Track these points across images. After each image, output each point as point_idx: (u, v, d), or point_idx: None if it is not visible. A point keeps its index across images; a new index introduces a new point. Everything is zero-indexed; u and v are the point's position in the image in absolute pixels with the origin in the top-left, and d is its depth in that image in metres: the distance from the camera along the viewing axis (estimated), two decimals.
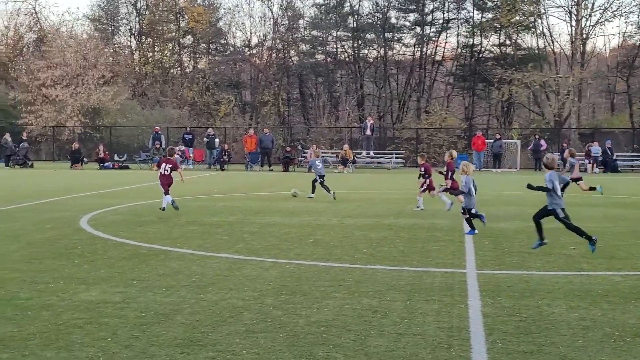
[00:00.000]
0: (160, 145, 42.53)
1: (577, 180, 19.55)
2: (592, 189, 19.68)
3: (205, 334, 6.97)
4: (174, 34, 64.57)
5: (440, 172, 18.71)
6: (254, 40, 64.11)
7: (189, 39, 65.43)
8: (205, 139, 45.60)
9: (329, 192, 21.22)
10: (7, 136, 42.81)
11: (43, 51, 55.72)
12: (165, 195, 17.35)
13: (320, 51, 62.32)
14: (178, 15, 64.11)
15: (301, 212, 17.77)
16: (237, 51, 63.74)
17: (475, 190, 14.40)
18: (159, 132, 44.08)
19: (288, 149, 42.57)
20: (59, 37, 56.13)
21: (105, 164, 41.60)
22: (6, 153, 42.03)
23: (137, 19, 65.44)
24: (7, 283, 9.17)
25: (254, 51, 64.19)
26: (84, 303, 8.18)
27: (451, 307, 8.13)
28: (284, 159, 41.00)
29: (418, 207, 18.44)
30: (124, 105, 53.17)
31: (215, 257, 11.26)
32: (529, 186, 11.91)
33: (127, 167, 41.78)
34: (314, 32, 62.38)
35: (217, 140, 44.69)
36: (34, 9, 67.02)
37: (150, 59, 64.26)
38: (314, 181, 21.98)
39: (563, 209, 11.78)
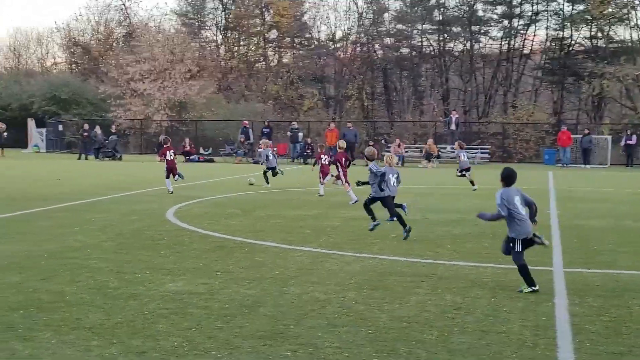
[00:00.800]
0: (246, 139, 42.98)
1: None
2: None
3: (288, 327, 7.00)
4: (259, 28, 65.10)
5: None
6: (339, 34, 64.12)
7: (273, 33, 65.85)
8: (288, 132, 45.85)
9: (267, 183, 22.20)
10: (97, 129, 43.95)
11: (132, 46, 56.92)
12: (175, 176, 20.73)
13: (405, 45, 61.83)
14: (263, 10, 64.60)
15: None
16: (321, 45, 63.83)
17: (398, 183, 13.70)
18: (247, 125, 44.49)
19: (371, 143, 42.43)
20: (147, 32, 57.26)
21: (191, 157, 42.27)
22: (96, 146, 43.12)
23: (223, 13, 66.24)
24: (97, 272, 9.41)
25: (338, 45, 64.19)
26: (169, 293, 8.32)
27: (537, 305, 7.96)
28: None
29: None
30: (209, 99, 53.91)
31: (299, 251, 11.31)
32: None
33: (212, 160, 42.38)
34: (399, 26, 61.95)
35: (300, 134, 44.89)
36: (124, 5, 68.61)
37: (235, 53, 65.00)
38: (265, 172, 22.49)
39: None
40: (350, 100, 58.97)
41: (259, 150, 24.60)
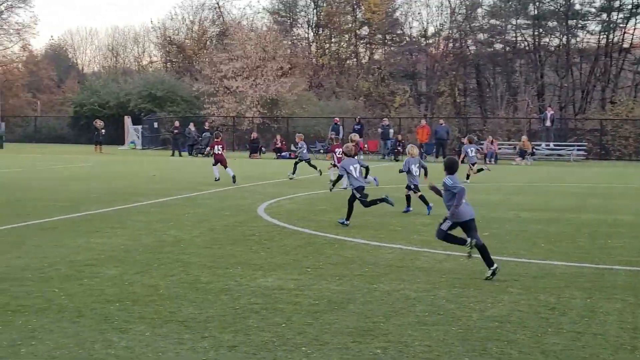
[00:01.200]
0: (336, 135, 43.07)
1: None
2: None
3: (378, 324, 6.96)
4: (350, 25, 65.19)
5: None
6: (430, 30, 63.67)
7: (365, 30, 65.83)
8: (379, 129, 45.72)
9: (293, 173, 24.18)
10: (191, 126, 44.83)
11: (225, 44, 57.81)
12: (227, 168, 22.41)
13: (499, 40, 60.91)
14: (355, 7, 64.64)
15: (475, 205, 17.42)
16: (413, 41, 63.46)
17: (426, 173, 15.21)
18: (338, 122, 44.56)
19: (464, 140, 41.90)
20: (240, 30, 58.04)
21: (282, 154, 42.62)
22: (189, 142, 43.98)
23: (314, 11, 66.60)
24: (190, 267, 9.57)
25: (430, 41, 63.71)
26: (260, 289, 8.39)
27: (636, 307, 7.69)
28: (459, 151, 40.41)
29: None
30: (300, 96, 54.26)
31: (389, 248, 11.25)
32: None
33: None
34: (493, 21, 61.06)
35: (391, 130, 44.71)
36: (217, 4, 69.84)
37: (326, 51, 65.26)
38: (296, 162, 24.32)
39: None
40: (441, 97, 58.42)
41: (298, 142, 25.72)
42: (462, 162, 21.30)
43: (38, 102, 76.12)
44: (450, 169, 9.06)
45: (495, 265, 8.85)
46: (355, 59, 66.90)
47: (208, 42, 69.92)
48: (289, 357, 6.03)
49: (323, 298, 7.98)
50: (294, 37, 66.85)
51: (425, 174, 15.24)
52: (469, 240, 8.90)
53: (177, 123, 45.50)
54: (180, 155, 42.36)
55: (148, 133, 53.21)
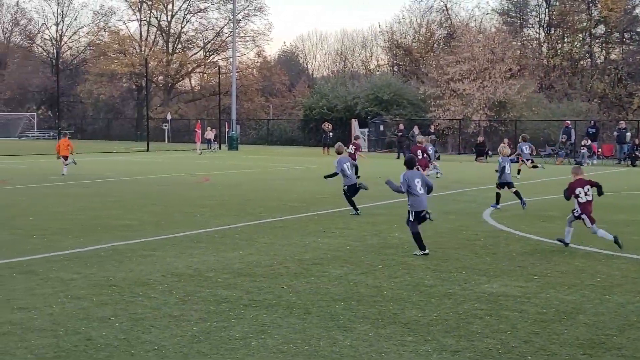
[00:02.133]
0: (567, 139, 41.45)
1: None
2: None
3: (610, 337, 6.60)
4: (585, 24, 62.54)
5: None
6: None
7: (600, 29, 62.89)
8: (615, 133, 43.41)
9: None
10: (416, 129, 44.91)
11: (452, 46, 57.46)
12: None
13: None
14: (590, 5, 61.94)
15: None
16: None
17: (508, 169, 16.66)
18: (569, 125, 42.87)
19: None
20: (468, 32, 57.42)
21: (512, 158, 41.57)
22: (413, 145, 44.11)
23: (546, 10, 64.57)
24: (414, 269, 9.59)
25: None
26: (484, 294, 8.23)
27: None
28: None
29: None
30: (530, 98, 52.72)
31: (624, 258, 10.63)
32: None
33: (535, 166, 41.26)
34: None
35: (628, 134, 42.29)
36: (445, 6, 69.57)
37: (558, 51, 63.02)
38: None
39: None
40: None
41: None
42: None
43: (270, 106, 79.75)
44: (408, 164, 11.21)
45: (427, 251, 10.63)
46: (589, 59, 64.07)
47: (435, 45, 69.90)
48: None
49: (551, 307, 7.68)
50: (524, 38, 65.16)
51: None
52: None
53: (401, 126, 45.81)
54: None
55: (374, 136, 54.04)
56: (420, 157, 21.38)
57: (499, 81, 51.73)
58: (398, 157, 42.97)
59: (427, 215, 10.96)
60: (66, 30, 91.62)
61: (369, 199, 18.20)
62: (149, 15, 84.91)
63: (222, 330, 6.75)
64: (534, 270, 9.60)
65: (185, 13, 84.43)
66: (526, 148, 26.47)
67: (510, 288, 8.56)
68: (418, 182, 10.84)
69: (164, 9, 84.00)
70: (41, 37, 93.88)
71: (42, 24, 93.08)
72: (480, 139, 44.27)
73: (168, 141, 68.53)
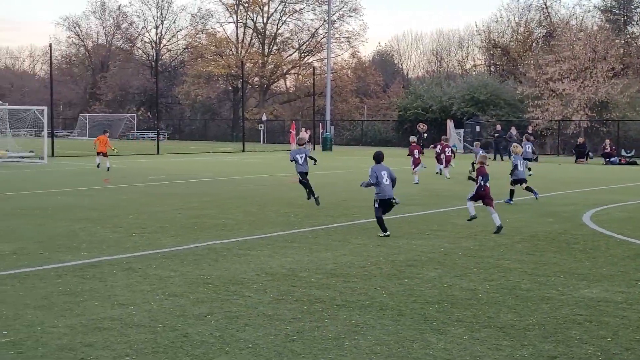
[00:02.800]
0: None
1: None
2: None
3: None
4: None
5: None
6: None
7: None
8: None
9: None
10: (513, 130, 44.12)
11: (551, 45, 56.21)
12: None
13: None
14: None
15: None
16: None
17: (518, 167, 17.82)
18: None
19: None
20: (568, 31, 56.08)
21: (612, 159, 40.42)
22: (510, 146, 43.31)
23: None
24: (510, 273, 9.40)
25: None
26: (584, 300, 8.01)
27: None
28: None
29: None
30: (634, 98, 51.02)
31: None
32: None
33: (634, 163, 40.05)
34: None
35: None
36: (545, 4, 68.13)
37: None
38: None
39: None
40: None
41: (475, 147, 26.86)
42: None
43: (365, 107, 79.80)
44: (376, 159, 13.09)
45: (388, 232, 12.37)
46: None
47: (534, 44, 68.52)
48: None
49: None
50: (628, 36, 63.18)
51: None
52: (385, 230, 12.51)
53: (498, 127, 45.10)
54: (502, 159, 41.89)
55: (470, 137, 53.39)
56: (416, 156, 24.01)
57: (601, 80, 50.28)
58: (494, 159, 42.25)
59: (393, 201, 12.61)
60: (165, 33, 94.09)
61: (461, 201, 17.94)
62: (245, 17, 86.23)
63: (315, 330, 6.77)
64: (637, 276, 9.29)
65: (281, 15, 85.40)
66: (528, 147, 27.85)
67: (612, 293, 8.30)
68: (384, 174, 12.59)
69: (260, 11, 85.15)
70: (141, 40, 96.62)
71: (142, 27, 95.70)
72: (581, 140, 43.14)
73: (263, 142, 69.43)
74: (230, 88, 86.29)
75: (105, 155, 28.88)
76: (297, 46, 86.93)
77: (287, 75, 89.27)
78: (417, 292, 8.28)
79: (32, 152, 37.34)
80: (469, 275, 9.25)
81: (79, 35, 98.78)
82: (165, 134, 78.02)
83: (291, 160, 17.74)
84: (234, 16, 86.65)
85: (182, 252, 10.72)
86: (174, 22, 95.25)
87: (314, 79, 63.51)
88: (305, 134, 19.05)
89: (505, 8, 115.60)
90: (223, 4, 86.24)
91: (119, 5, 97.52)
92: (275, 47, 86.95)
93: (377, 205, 12.59)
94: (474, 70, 79.05)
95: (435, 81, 68.13)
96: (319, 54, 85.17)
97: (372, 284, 8.71)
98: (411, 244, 11.59)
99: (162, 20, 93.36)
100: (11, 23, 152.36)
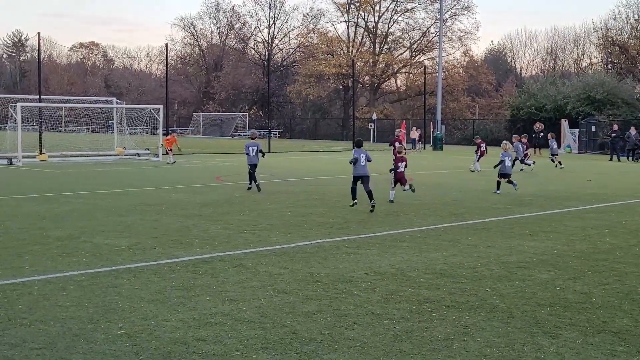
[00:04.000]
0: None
1: None
2: None
3: None
4: None
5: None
6: None
7: None
8: None
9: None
10: (632, 130, 42.62)
11: None
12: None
13: None
14: None
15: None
16: None
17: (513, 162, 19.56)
18: None
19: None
20: None
21: None
22: (629, 147, 41.84)
23: None
24: (626, 277, 9.12)
25: None
26: None
27: None
28: None
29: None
30: None
31: None
32: None
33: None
34: None
35: None
36: None
37: None
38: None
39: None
40: None
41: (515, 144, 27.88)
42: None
43: (476, 106, 78.70)
44: (357, 145, 16.71)
45: (356, 201, 15.91)
46: None
47: None
48: None
49: None
50: None
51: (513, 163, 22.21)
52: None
53: (615, 126, 43.62)
54: (618, 160, 40.53)
55: (585, 137, 51.87)
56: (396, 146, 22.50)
57: None
58: (611, 159, 40.92)
59: (365, 178, 15.89)
60: (277, 32, 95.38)
61: (579, 202, 17.52)
62: (356, 16, 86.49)
63: (424, 330, 6.75)
64: None
65: (392, 13, 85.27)
66: (520, 145, 30.17)
67: None
68: (362, 156, 15.91)
69: (372, 10, 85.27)
70: (254, 40, 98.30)
71: (255, 27, 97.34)
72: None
73: (373, 141, 69.44)
74: (341, 87, 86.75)
75: (170, 151, 32.77)
76: (408, 45, 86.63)
77: (397, 74, 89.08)
78: (529, 295, 8.14)
79: (148, 149, 38.56)
80: (583, 278, 9.02)
81: (193, 36, 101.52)
82: (277, 133, 79.10)
83: (246, 153, 20.06)
84: (346, 15, 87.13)
85: (292, 250, 10.86)
86: (286, 22, 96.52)
87: (424, 77, 63.12)
88: (255, 132, 21.14)
89: (624, 4, 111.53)
90: (335, 3, 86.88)
91: (233, 6, 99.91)
92: (386, 46, 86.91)
93: (352, 179, 16.10)
94: (590, 69, 76.78)
95: (550, 80, 66.46)
96: (430, 53, 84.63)
97: (482, 285, 8.61)
98: (523, 246, 11.38)
99: (274, 20, 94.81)
100: (129, 24, 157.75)
